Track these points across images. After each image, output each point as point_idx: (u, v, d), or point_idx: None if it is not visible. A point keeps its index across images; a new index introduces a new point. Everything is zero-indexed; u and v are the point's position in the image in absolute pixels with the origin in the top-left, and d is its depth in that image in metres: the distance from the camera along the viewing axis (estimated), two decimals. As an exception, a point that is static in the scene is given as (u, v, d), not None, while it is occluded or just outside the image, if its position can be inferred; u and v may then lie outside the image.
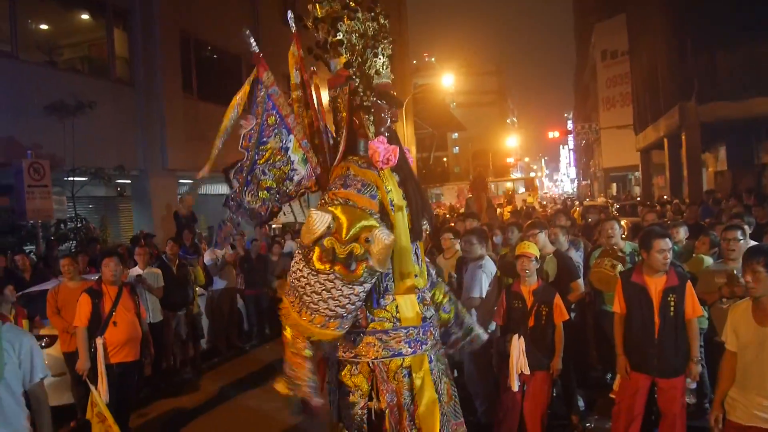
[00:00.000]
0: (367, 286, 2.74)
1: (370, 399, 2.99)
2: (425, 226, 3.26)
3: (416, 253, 3.13)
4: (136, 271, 7.09)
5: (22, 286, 7.00)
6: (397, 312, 2.96)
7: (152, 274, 7.07)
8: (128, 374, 5.29)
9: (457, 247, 5.94)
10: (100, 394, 5.01)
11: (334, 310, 2.69)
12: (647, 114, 24.99)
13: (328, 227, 2.65)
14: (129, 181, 13.71)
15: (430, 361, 3.06)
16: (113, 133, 12.46)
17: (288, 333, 2.96)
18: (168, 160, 13.45)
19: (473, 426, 4.99)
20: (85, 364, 5.08)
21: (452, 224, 8.08)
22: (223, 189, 17.50)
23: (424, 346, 3.06)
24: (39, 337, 6.09)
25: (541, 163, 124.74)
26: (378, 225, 2.75)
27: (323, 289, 2.67)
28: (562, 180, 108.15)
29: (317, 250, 2.66)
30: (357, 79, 3.02)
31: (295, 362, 2.95)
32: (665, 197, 19.66)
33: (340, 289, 2.66)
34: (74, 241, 10.12)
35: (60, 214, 10.66)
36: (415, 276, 3.09)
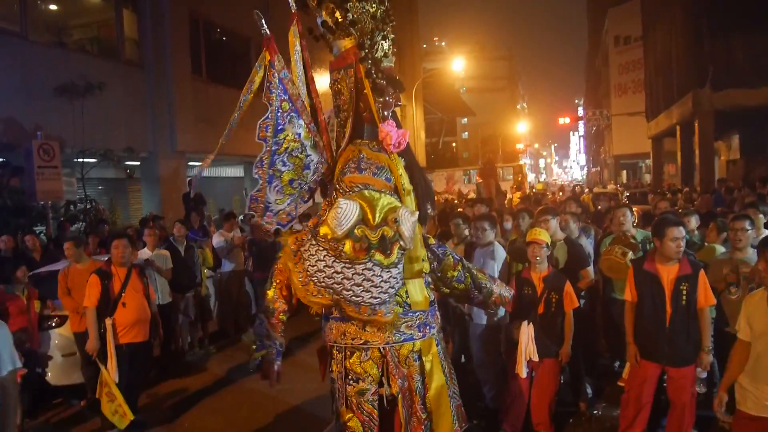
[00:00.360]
0: (401, 266, 2.75)
1: (381, 385, 2.98)
2: (429, 210, 3.24)
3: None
4: (145, 252, 7.11)
5: (32, 266, 7.03)
6: (407, 296, 2.95)
7: (161, 256, 7.09)
8: (138, 355, 5.33)
9: (466, 232, 5.91)
10: (110, 373, 5.06)
11: (378, 297, 2.68)
12: (660, 101, 24.69)
13: (358, 216, 2.63)
14: (138, 163, 13.73)
15: (437, 344, 3.07)
16: (122, 115, 12.46)
17: (271, 292, 3.05)
18: (177, 142, 13.44)
19: (481, 411, 5.02)
20: (94, 344, 5.11)
21: (461, 210, 8.05)
22: (231, 171, 17.51)
23: (432, 330, 3.07)
24: (50, 318, 6.14)
25: (551, 150, 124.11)
26: (400, 204, 2.77)
27: (363, 279, 2.65)
28: (572, 167, 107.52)
29: (349, 241, 2.63)
30: (369, 61, 2.97)
31: (270, 322, 3.06)
32: (675, 185, 19.49)
33: (380, 275, 2.65)
34: (84, 223, 10.16)
35: (69, 196, 10.70)
36: (422, 260, 3.07)
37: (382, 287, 2.66)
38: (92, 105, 11.24)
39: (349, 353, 2.98)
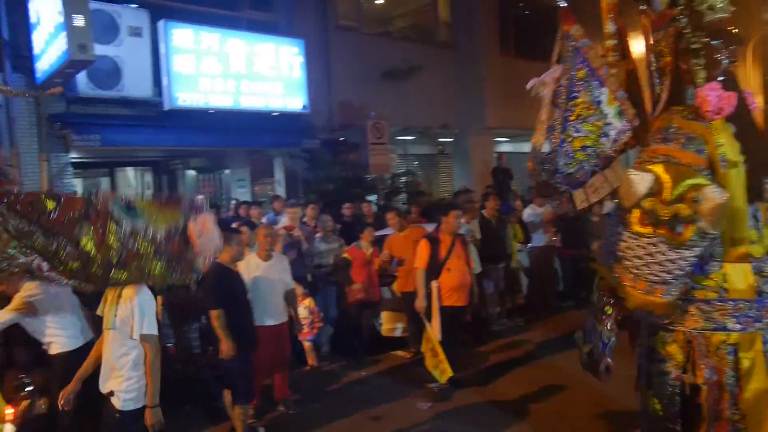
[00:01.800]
0: (698, 250, 2.49)
1: (685, 371, 2.75)
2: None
3: (756, 217, 2.70)
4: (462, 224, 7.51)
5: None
6: (725, 281, 2.65)
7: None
8: (456, 317, 5.66)
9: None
10: (434, 331, 5.49)
11: (658, 276, 2.50)
12: None
13: (650, 188, 2.45)
14: (450, 140, 14.62)
15: (765, 342, 2.67)
16: (437, 94, 13.36)
17: (595, 282, 3.00)
18: (486, 118, 13.91)
19: None
20: (422, 303, 5.59)
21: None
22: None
23: (757, 324, 2.66)
24: (385, 275, 6.94)
25: None
26: (708, 182, 2.45)
27: (645, 253, 2.51)
28: None
29: (637, 212, 2.50)
30: (684, 19, 2.67)
31: (596, 316, 3.00)
32: None
33: (665, 253, 2.46)
34: (405, 194, 11.29)
35: (392, 169, 12.02)
36: (751, 242, 2.67)
37: (664, 266, 2.47)
38: (412, 87, 12.33)
39: (653, 331, 2.83)
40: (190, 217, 1.69)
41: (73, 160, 8.71)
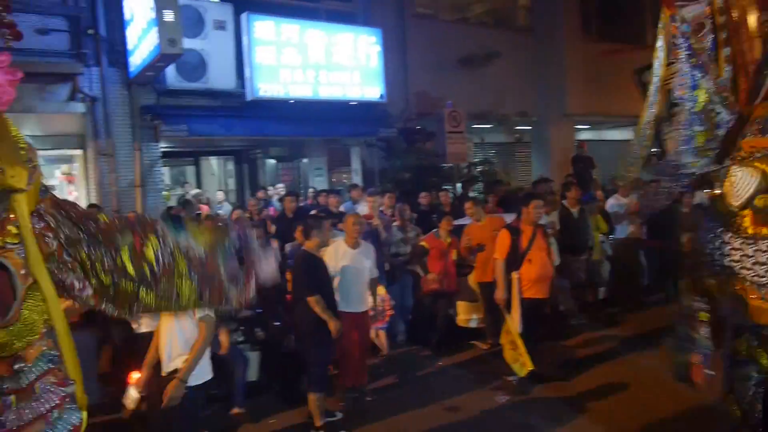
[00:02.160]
0: None
1: None
2: None
3: None
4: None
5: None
6: None
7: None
8: (537, 310, 5.53)
9: None
10: (514, 323, 5.38)
11: None
12: None
13: (759, 185, 2.30)
14: (528, 128, 14.25)
15: None
16: (515, 81, 13.04)
17: (685, 288, 2.87)
18: (567, 105, 13.47)
19: None
20: (502, 294, 5.49)
21: None
22: (615, 134, 16.61)
23: None
24: (463, 266, 6.85)
25: None
26: None
27: None
28: None
29: (748, 214, 2.33)
30: None
31: (690, 323, 2.84)
32: None
33: None
34: (482, 183, 11.12)
35: (468, 158, 11.85)
36: None
37: None
38: (489, 73, 12.09)
39: (738, 332, 2.65)
40: (245, 241, 1.68)
41: (163, 150, 9.15)
